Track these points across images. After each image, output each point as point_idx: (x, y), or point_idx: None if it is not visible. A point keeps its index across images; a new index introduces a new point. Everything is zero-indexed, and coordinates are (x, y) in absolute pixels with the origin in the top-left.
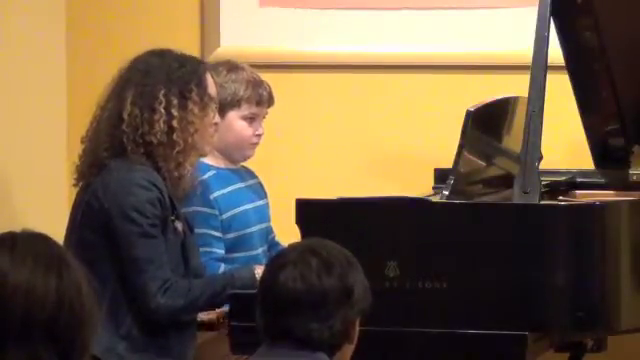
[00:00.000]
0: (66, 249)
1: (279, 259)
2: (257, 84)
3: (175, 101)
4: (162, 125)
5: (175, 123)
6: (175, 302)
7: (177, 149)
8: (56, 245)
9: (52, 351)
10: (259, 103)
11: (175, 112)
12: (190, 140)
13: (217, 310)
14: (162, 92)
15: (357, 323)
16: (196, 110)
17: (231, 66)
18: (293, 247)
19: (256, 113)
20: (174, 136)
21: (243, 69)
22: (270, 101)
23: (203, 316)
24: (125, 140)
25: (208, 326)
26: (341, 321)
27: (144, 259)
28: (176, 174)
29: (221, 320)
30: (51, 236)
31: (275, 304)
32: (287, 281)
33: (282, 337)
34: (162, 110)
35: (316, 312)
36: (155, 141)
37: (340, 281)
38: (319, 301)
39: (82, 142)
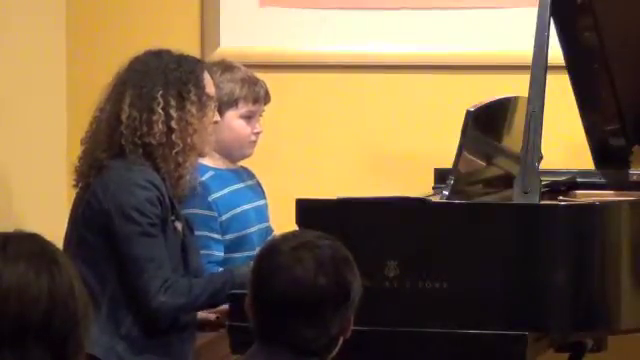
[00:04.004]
0: (58, 248)
1: (271, 254)
2: (253, 82)
3: (173, 102)
4: (161, 126)
5: (174, 124)
6: (176, 301)
7: (176, 150)
8: (48, 245)
9: (46, 351)
10: (256, 101)
11: (173, 113)
12: (189, 140)
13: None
14: (160, 93)
15: (352, 317)
16: (194, 110)
17: (225, 66)
18: (285, 240)
19: (253, 111)
20: (173, 137)
21: (238, 68)
22: (266, 98)
23: (201, 314)
24: (123, 142)
25: (205, 325)
26: (339, 324)
27: (144, 258)
28: (176, 174)
29: (220, 319)
30: (51, 236)
31: (268, 306)
32: (281, 284)
33: (276, 339)
34: (160, 111)
35: (312, 318)
36: (154, 142)
37: (337, 283)
38: (315, 307)
39: (82, 144)
